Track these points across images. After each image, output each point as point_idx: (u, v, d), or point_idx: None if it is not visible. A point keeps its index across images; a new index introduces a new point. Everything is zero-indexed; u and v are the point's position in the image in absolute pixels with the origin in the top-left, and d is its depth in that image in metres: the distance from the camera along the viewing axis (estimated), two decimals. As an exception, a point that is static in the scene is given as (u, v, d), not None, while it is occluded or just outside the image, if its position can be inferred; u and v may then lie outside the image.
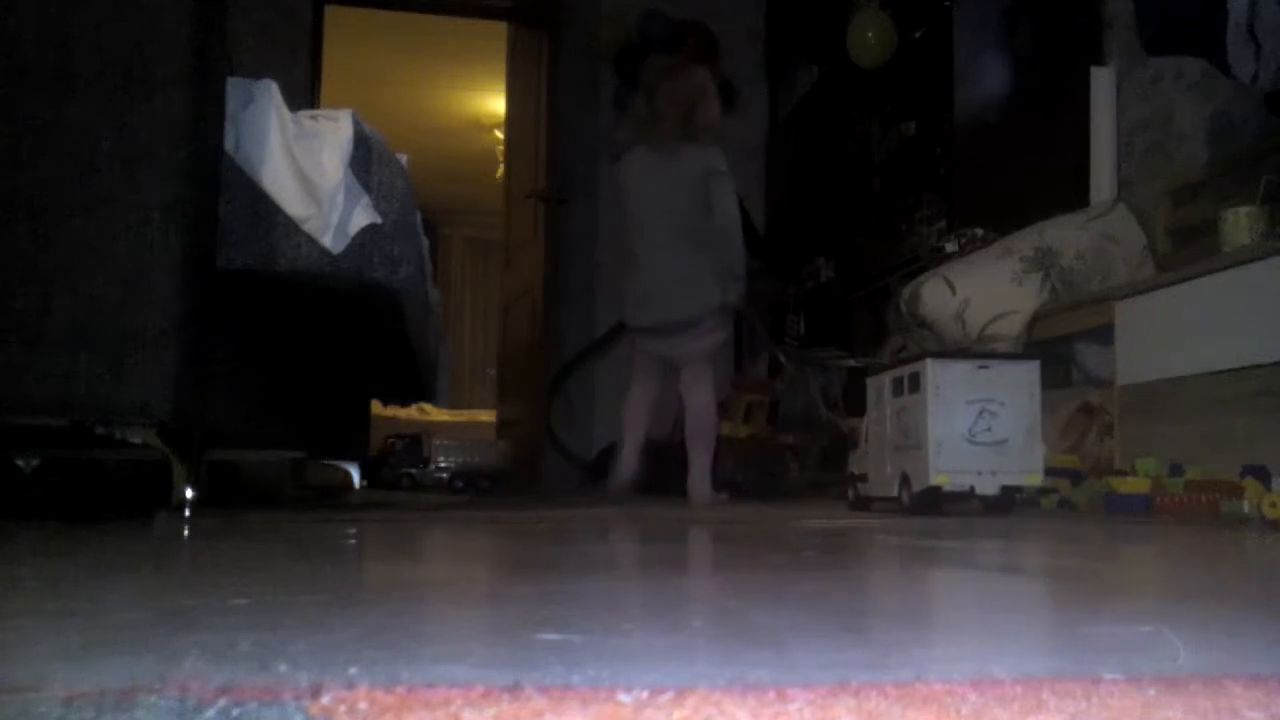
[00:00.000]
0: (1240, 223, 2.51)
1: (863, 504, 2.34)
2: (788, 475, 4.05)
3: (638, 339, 3.29)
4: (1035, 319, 3.03)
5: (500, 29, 5.95)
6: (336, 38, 5.58)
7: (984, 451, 1.95)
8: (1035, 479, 2.00)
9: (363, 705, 0.38)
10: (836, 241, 4.82)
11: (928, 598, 0.80)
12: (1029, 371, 1.99)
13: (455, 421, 7.16)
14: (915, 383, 2.02)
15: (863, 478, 2.31)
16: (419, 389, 3.40)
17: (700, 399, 3.17)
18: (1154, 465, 2.32)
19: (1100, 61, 3.57)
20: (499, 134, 7.01)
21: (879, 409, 2.25)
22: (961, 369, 1.98)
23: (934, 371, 1.95)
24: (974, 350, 2.53)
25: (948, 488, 1.97)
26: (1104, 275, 3.07)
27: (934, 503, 2.00)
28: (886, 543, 1.44)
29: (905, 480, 2.06)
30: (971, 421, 1.96)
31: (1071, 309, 2.96)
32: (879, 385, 2.25)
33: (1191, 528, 1.81)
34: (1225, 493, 2.06)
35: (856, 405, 4.21)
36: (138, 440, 1.83)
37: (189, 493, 1.88)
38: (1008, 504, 2.01)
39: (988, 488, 1.96)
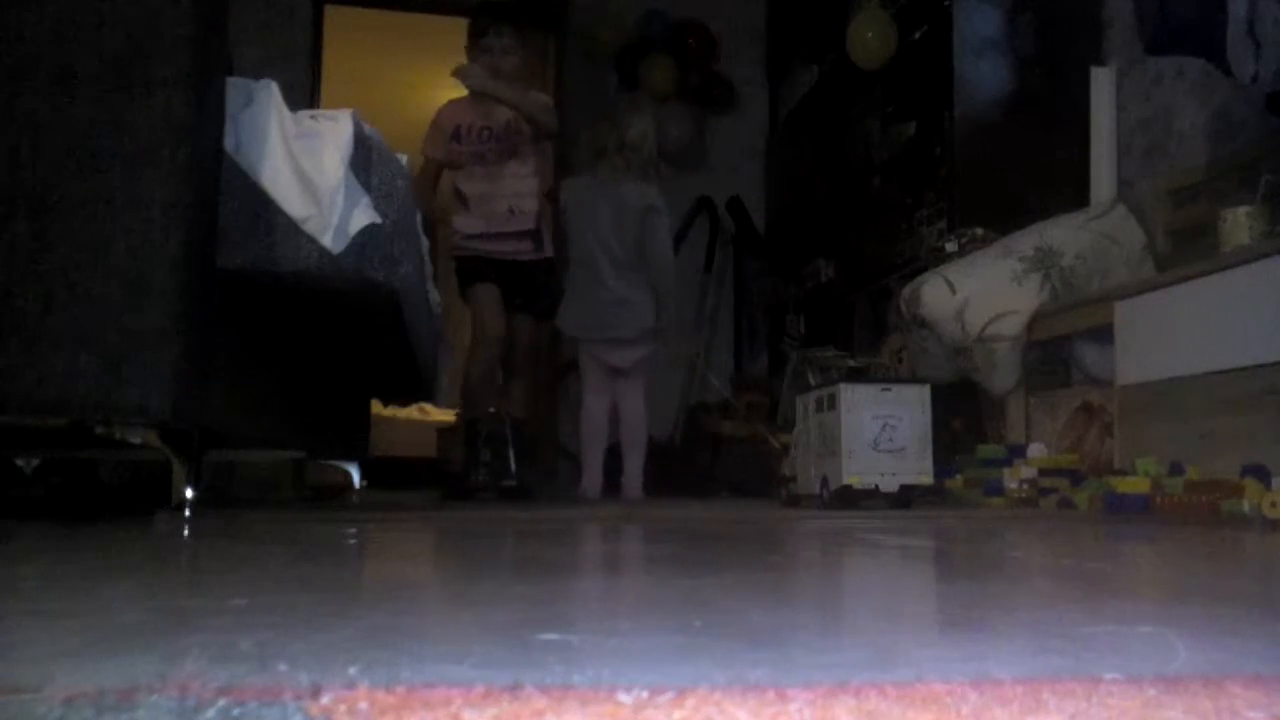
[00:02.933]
0: (1240, 223, 2.51)
1: (794, 501, 2.69)
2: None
3: (583, 343, 3.64)
4: (1035, 319, 3.04)
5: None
6: (336, 38, 5.58)
7: (886, 457, 2.36)
8: (926, 480, 2.38)
9: (363, 705, 0.38)
10: (836, 241, 4.82)
11: (928, 597, 0.80)
12: (922, 392, 2.42)
13: (455, 421, 7.15)
14: (833, 402, 2.41)
15: (794, 479, 2.68)
16: (419, 389, 3.40)
17: (635, 405, 3.59)
18: (1154, 465, 2.33)
19: (1100, 61, 3.58)
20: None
21: (805, 423, 2.61)
22: (868, 390, 2.39)
23: (846, 393, 2.37)
24: (877, 376, 3.05)
25: (857, 486, 2.35)
26: (1104, 275, 3.07)
27: (847, 499, 2.36)
28: (886, 543, 1.44)
29: (825, 481, 2.44)
30: (876, 433, 2.36)
31: (1071, 309, 2.96)
32: (805, 403, 2.62)
33: (1191, 528, 1.81)
34: (1225, 493, 2.06)
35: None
36: (138, 440, 1.83)
37: (189, 493, 1.88)
38: (907, 499, 2.37)
39: (889, 486, 2.35)
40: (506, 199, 3.70)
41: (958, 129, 3.69)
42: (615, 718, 0.37)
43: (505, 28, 3.75)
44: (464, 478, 3.50)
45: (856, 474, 2.34)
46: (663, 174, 3.87)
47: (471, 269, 3.68)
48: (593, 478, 3.55)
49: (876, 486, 2.34)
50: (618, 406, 3.59)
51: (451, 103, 3.83)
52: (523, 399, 3.80)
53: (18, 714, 0.37)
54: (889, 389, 2.39)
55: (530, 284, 3.72)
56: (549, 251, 3.80)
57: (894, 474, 2.34)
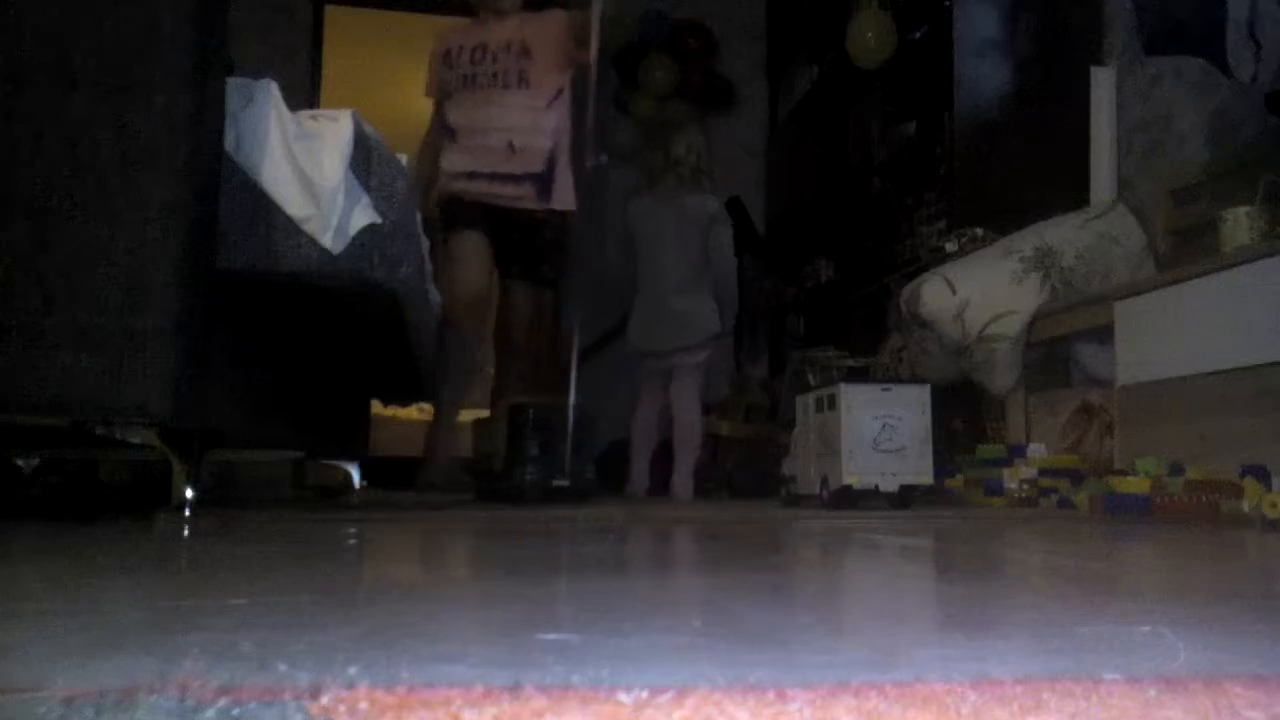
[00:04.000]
0: (1240, 223, 2.51)
1: (794, 501, 2.70)
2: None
3: (643, 359, 3.65)
4: (1035, 319, 3.03)
5: (500, 29, 5.94)
6: (336, 38, 5.58)
7: (886, 457, 2.37)
8: (926, 479, 2.39)
9: (363, 705, 0.38)
10: (836, 241, 4.82)
11: (927, 597, 0.80)
12: (921, 393, 2.43)
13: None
14: (833, 402, 2.42)
15: (793, 479, 2.71)
16: (419, 389, 3.40)
17: (688, 407, 3.60)
18: (1154, 465, 2.32)
19: (1100, 61, 3.58)
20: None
21: (805, 423, 2.63)
22: (868, 390, 2.40)
23: (846, 393, 2.38)
24: (877, 376, 3.16)
25: (857, 486, 2.36)
26: (1104, 275, 3.07)
27: (847, 499, 2.37)
28: (886, 543, 1.44)
29: (825, 481, 2.45)
30: (876, 433, 2.37)
31: (1071, 309, 2.96)
32: (805, 404, 2.63)
33: (1191, 528, 1.81)
34: (1225, 493, 2.06)
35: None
36: (138, 440, 1.83)
37: (189, 493, 1.88)
38: (907, 499, 2.38)
39: (889, 486, 2.36)
40: (504, 133, 3.13)
41: (958, 129, 3.69)
42: (615, 718, 0.37)
43: None
44: (505, 476, 3.01)
45: (856, 474, 2.34)
46: (716, 179, 3.81)
47: (454, 214, 3.09)
48: (639, 479, 3.61)
49: (876, 486, 2.36)
50: (671, 407, 3.62)
51: (451, 28, 3.38)
52: (520, 389, 3.25)
53: (18, 714, 0.37)
54: (889, 389, 2.40)
55: (531, 242, 3.17)
56: (564, 204, 3.20)
57: (894, 474, 2.35)
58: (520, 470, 2.88)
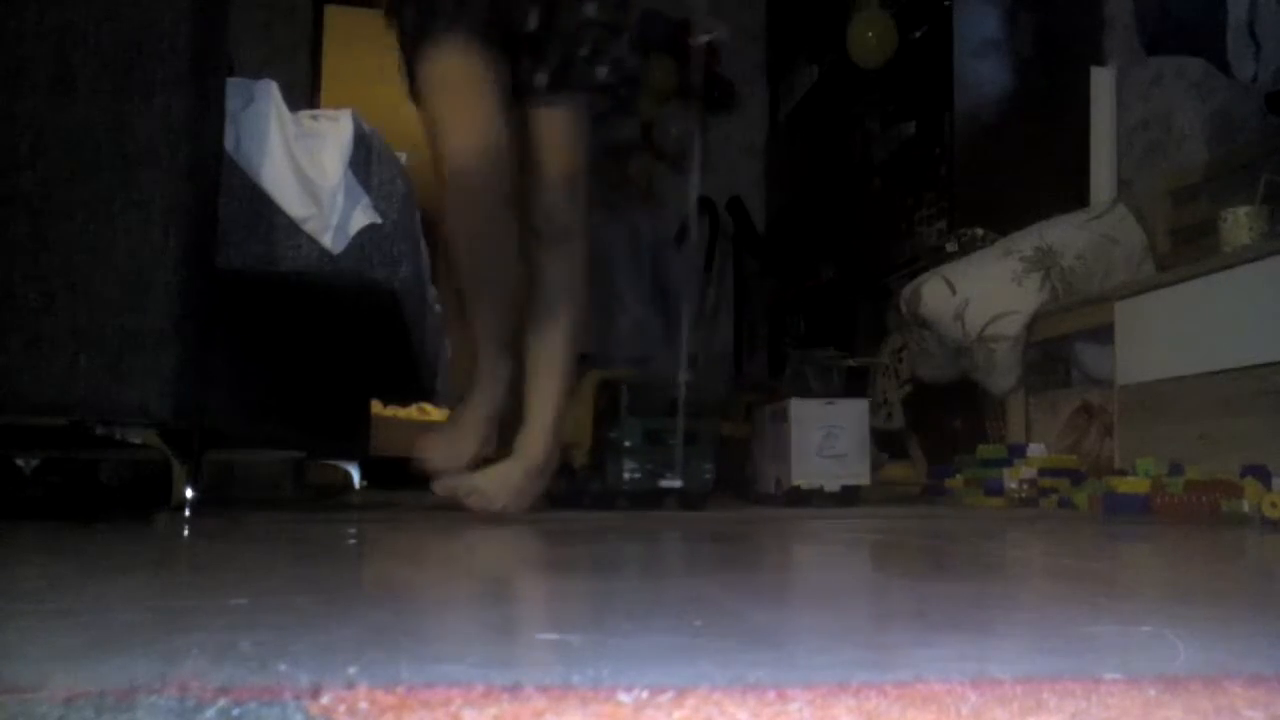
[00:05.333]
0: (1240, 223, 2.51)
1: (760, 499, 3.00)
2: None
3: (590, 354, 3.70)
4: (1035, 319, 3.03)
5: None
6: (336, 38, 5.58)
7: (829, 462, 2.71)
8: (864, 480, 2.75)
9: (363, 705, 0.38)
10: (836, 241, 4.82)
11: (927, 597, 0.80)
12: (860, 407, 2.80)
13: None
14: (785, 415, 2.77)
15: (755, 480, 3.07)
16: (419, 389, 3.39)
17: None
18: (1154, 465, 2.32)
19: (1100, 61, 3.58)
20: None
21: (762, 432, 3.00)
22: (814, 406, 2.75)
23: (795, 408, 2.74)
24: (820, 392, 3.39)
25: (805, 486, 2.70)
26: (1104, 275, 3.07)
27: (798, 498, 2.70)
28: (887, 543, 1.44)
29: (779, 481, 2.81)
30: (820, 441, 2.71)
31: (1071, 309, 2.96)
32: (763, 415, 2.99)
33: (1191, 528, 1.81)
34: (1225, 493, 2.06)
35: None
36: (138, 440, 1.83)
37: (189, 493, 1.88)
38: (850, 497, 2.71)
39: (833, 486, 2.71)
40: None
41: (958, 129, 3.69)
42: (615, 718, 0.37)
43: None
44: (592, 475, 2.39)
45: (804, 477, 2.70)
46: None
47: (419, 8, 1.78)
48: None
49: (822, 487, 2.70)
50: None
51: None
52: (575, 297, 1.99)
53: (18, 714, 0.37)
54: (832, 404, 2.78)
55: (552, 18, 1.84)
56: None
57: (836, 476, 2.71)
58: (616, 466, 2.29)
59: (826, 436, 2.72)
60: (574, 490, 2.46)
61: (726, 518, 2.24)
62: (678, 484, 2.33)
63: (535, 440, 1.93)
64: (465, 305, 1.94)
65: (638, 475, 2.31)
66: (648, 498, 2.36)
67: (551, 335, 1.99)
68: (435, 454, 1.90)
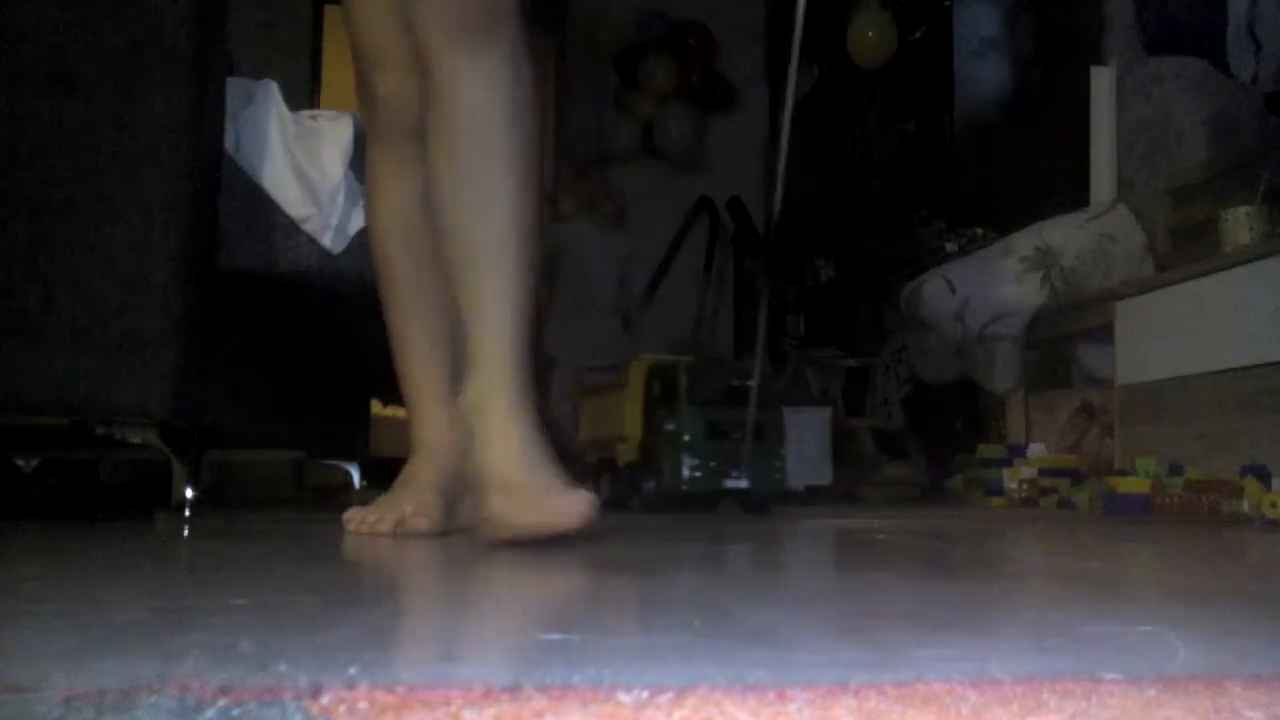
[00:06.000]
0: (1240, 222, 2.51)
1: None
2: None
3: (558, 357, 3.92)
4: (1035, 319, 3.04)
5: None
6: (336, 38, 5.58)
7: (795, 464, 2.69)
8: (825, 480, 3.00)
9: (363, 705, 0.38)
10: (836, 241, 4.82)
11: (927, 597, 0.80)
12: (823, 414, 3.12)
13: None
14: None
15: None
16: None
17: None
18: (1154, 465, 2.33)
19: (1100, 61, 3.57)
20: (499, 134, 7.00)
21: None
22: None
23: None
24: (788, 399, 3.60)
25: None
26: (1104, 275, 3.07)
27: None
28: (887, 542, 1.44)
29: None
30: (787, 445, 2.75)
31: (1071, 309, 2.96)
32: None
33: (1191, 528, 1.81)
34: (1225, 493, 2.06)
35: (854, 404, 4.22)
36: (138, 440, 1.83)
37: (189, 493, 1.88)
38: (812, 496, 2.92)
39: (797, 486, 2.79)
40: None
41: (958, 129, 3.69)
42: (615, 718, 0.37)
43: None
44: (646, 474, 2.12)
45: None
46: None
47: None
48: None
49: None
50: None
51: None
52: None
53: (18, 714, 0.37)
54: (798, 412, 2.95)
55: None
56: None
57: (800, 476, 2.86)
58: (674, 464, 2.03)
59: (792, 441, 2.81)
60: (623, 490, 2.21)
61: (723, 517, 2.24)
62: (744, 484, 2.06)
63: (493, 398, 1.19)
64: (395, 349, 1.57)
65: (699, 474, 2.01)
66: (708, 500, 2.13)
67: (481, 211, 1.22)
68: (356, 527, 1.39)
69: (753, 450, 2.06)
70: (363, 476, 3.87)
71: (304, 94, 5.09)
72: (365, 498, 3.39)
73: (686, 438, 2.05)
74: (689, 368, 2.11)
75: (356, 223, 2.04)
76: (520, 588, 0.88)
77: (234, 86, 1.96)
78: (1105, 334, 2.74)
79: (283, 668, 0.43)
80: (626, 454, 2.20)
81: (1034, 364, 3.11)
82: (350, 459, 3.58)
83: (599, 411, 2.43)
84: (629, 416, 2.18)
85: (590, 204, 3.96)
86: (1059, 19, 3.72)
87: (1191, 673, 0.44)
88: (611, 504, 2.12)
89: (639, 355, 2.31)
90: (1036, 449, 2.83)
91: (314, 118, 2.08)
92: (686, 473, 2.03)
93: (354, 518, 1.41)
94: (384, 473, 4.75)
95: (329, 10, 5.51)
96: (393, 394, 3.73)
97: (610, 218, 3.96)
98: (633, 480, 2.17)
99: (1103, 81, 3.49)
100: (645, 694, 0.39)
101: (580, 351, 3.89)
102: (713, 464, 2.04)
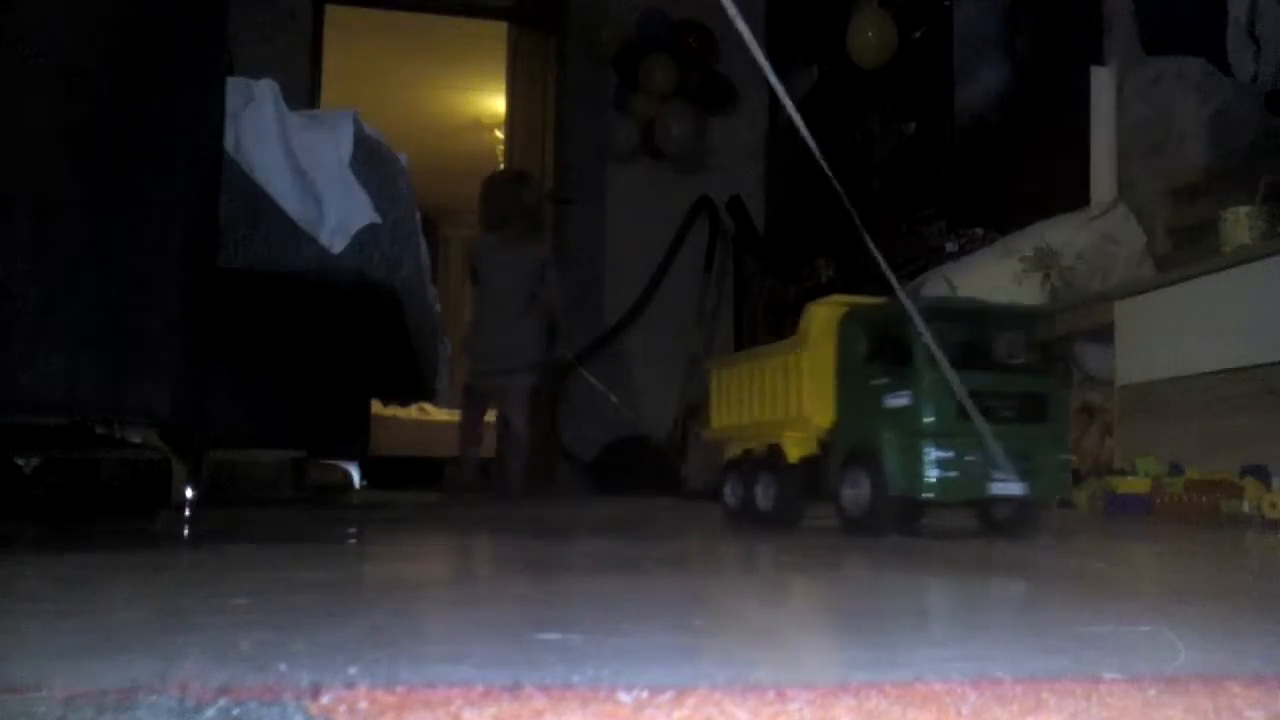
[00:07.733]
0: (1240, 223, 2.51)
1: (690, 495, 3.29)
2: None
3: (475, 379, 4.06)
4: (1035, 319, 3.03)
5: (500, 29, 5.95)
6: (336, 38, 5.58)
7: None
8: None
9: (363, 705, 0.38)
10: (836, 241, 4.82)
11: (927, 598, 0.80)
12: None
13: (454, 421, 7.15)
14: None
15: (687, 480, 3.42)
16: (419, 389, 3.40)
17: (520, 421, 4.00)
18: (1154, 465, 2.32)
19: (1100, 61, 3.57)
20: (499, 134, 7.00)
21: (696, 443, 3.42)
22: None
23: None
24: None
25: None
26: (1104, 275, 3.07)
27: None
28: (887, 543, 1.44)
29: (707, 481, 3.07)
30: None
31: (1071, 309, 2.96)
32: (695, 420, 3.54)
33: (1191, 528, 1.81)
34: (1225, 493, 2.06)
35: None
36: (138, 440, 1.83)
37: (189, 492, 1.88)
38: None
39: None
40: None
41: (957, 129, 3.69)
42: (615, 717, 0.37)
43: None
44: (851, 475, 1.51)
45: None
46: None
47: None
48: (465, 473, 4.16)
49: None
50: (509, 420, 4.02)
51: None
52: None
53: (18, 714, 0.37)
54: None
55: None
56: None
57: None
58: (909, 461, 1.40)
59: None
60: (793, 503, 1.64)
61: (719, 517, 2.24)
62: (1018, 489, 1.41)
63: None
64: None
65: (952, 475, 1.36)
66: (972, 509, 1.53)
67: None
68: None
69: (1028, 438, 1.40)
70: (363, 476, 3.87)
71: (304, 94, 5.09)
72: (366, 497, 3.39)
73: (930, 419, 1.37)
74: (928, 310, 1.40)
75: (357, 223, 2.04)
76: (520, 587, 0.88)
77: (234, 86, 1.95)
78: (1105, 334, 2.74)
79: (283, 668, 0.43)
80: (800, 445, 1.58)
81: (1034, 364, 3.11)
82: (350, 459, 3.58)
83: (742, 387, 1.73)
84: (808, 388, 1.54)
85: (500, 218, 4.05)
86: (1059, 19, 3.72)
87: (1191, 673, 0.44)
88: (773, 518, 1.67)
89: (816, 301, 1.66)
90: (1036, 449, 2.83)
91: (314, 118, 2.08)
92: (933, 473, 1.36)
93: None
94: (384, 473, 4.78)
95: (329, 10, 5.51)
96: (392, 394, 3.75)
97: (521, 231, 4.05)
98: (814, 483, 1.55)
99: (1103, 82, 3.49)
100: (645, 693, 0.39)
101: (492, 359, 4.02)
102: (970, 459, 1.36)
